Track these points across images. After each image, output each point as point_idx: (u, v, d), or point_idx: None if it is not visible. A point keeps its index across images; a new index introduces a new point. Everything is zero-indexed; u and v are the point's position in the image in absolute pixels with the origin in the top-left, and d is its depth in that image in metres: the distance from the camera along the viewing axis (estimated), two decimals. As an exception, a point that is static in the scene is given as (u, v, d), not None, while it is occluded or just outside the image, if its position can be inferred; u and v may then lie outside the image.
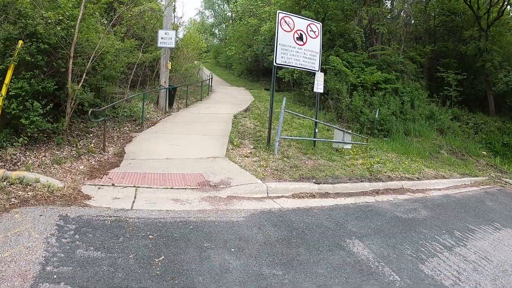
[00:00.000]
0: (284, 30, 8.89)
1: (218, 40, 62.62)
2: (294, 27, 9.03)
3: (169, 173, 6.87)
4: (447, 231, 5.74)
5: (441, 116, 18.70)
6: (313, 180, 7.22)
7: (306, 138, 10.07)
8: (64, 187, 5.75)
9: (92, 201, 5.34)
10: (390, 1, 26.51)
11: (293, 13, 9.56)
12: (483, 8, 23.90)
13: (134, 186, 5.97)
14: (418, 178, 9.05)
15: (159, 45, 13.87)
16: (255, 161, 8.12)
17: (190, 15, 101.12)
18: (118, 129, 10.32)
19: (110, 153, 8.27)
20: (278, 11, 8.99)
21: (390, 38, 20.84)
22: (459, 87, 21.04)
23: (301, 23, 9.24)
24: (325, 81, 17.55)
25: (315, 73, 9.78)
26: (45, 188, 5.56)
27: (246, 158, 8.38)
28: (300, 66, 9.31)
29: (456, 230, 5.84)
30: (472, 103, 22.67)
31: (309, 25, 9.38)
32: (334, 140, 10.46)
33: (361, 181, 7.89)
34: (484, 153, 17.11)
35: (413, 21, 25.99)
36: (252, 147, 9.35)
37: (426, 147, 15.04)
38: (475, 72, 23.02)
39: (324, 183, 7.15)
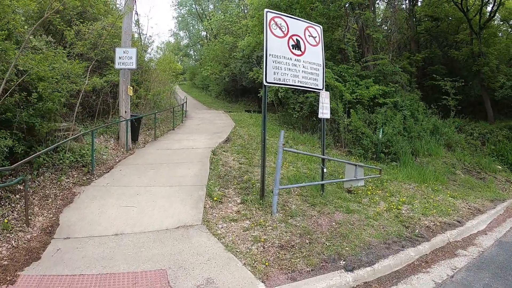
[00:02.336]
0: (276, 36, 6.33)
1: (193, 61, 60.33)
2: (288, 31, 6.48)
3: (113, 273, 4.20)
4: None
5: (446, 129, 16.71)
6: (342, 263, 4.63)
7: (314, 183, 7.46)
8: None
9: None
10: (371, 10, 24.84)
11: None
12: (472, 11, 22.55)
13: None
14: (458, 222, 7.16)
15: (116, 66, 11.22)
16: (247, 230, 5.48)
17: (158, 30, 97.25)
18: (57, 183, 7.55)
19: (36, 228, 5.65)
20: (266, 10, 6.35)
21: (383, 47, 18.73)
22: (457, 95, 19.18)
23: (297, 25, 6.71)
24: (315, 100, 15.48)
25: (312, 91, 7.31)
26: None
27: (232, 223, 5.74)
28: (299, 84, 6.68)
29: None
30: (465, 110, 21.04)
31: (307, 28, 6.86)
32: (345, 179, 7.97)
33: (402, 247, 5.52)
34: (499, 167, 15.70)
35: (394, 29, 24.33)
36: (239, 201, 6.69)
37: (440, 168, 13.15)
38: (465, 78, 21.48)
39: (358, 267, 4.58)
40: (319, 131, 14.63)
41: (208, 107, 29.41)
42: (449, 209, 7.76)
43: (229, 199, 6.83)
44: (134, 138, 12.21)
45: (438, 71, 21.51)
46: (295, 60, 6.59)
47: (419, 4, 25.49)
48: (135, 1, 12.25)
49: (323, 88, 7.11)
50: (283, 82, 6.46)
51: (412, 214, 7.10)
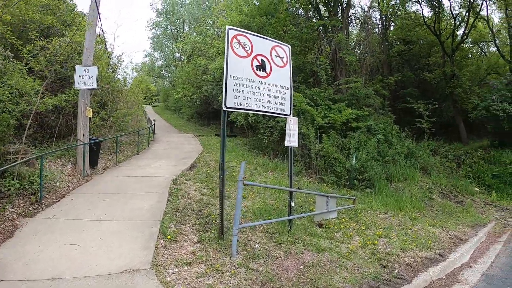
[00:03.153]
0: (238, 55, 5.75)
1: (168, 82, 59.50)
2: (252, 51, 5.91)
3: None
4: None
5: (420, 152, 16.44)
6: (308, 321, 3.95)
7: (280, 219, 6.73)
8: None
9: None
10: (345, 33, 25.02)
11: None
12: (444, 34, 22.95)
13: None
14: (440, 256, 6.59)
15: (76, 85, 10.48)
16: (201, 277, 4.69)
17: (129, 50, 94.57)
18: (0, 213, 6.71)
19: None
20: (228, 27, 5.82)
21: (356, 70, 18.55)
22: (431, 117, 19.13)
23: (262, 44, 6.16)
24: (286, 124, 14.76)
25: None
26: None
27: (185, 267, 4.96)
28: (263, 109, 6.07)
29: None
30: (438, 132, 21.22)
31: (273, 48, 6.30)
32: (316, 212, 7.32)
33: (381, 293, 4.84)
34: (477, 189, 15.50)
35: (367, 53, 24.53)
36: (196, 239, 5.92)
37: (416, 193, 12.79)
38: (438, 100, 21.70)
39: (328, 325, 3.91)
40: (288, 157, 14.09)
41: (178, 130, 28.54)
42: (429, 241, 7.20)
43: (185, 237, 6.04)
44: (93, 164, 11.32)
45: (411, 94, 21.65)
46: (259, 82, 5.97)
47: (392, 28, 25.87)
48: (99, 17, 11.52)
49: (290, 113, 6.50)
50: (245, 107, 5.81)
51: (390, 250, 6.47)
